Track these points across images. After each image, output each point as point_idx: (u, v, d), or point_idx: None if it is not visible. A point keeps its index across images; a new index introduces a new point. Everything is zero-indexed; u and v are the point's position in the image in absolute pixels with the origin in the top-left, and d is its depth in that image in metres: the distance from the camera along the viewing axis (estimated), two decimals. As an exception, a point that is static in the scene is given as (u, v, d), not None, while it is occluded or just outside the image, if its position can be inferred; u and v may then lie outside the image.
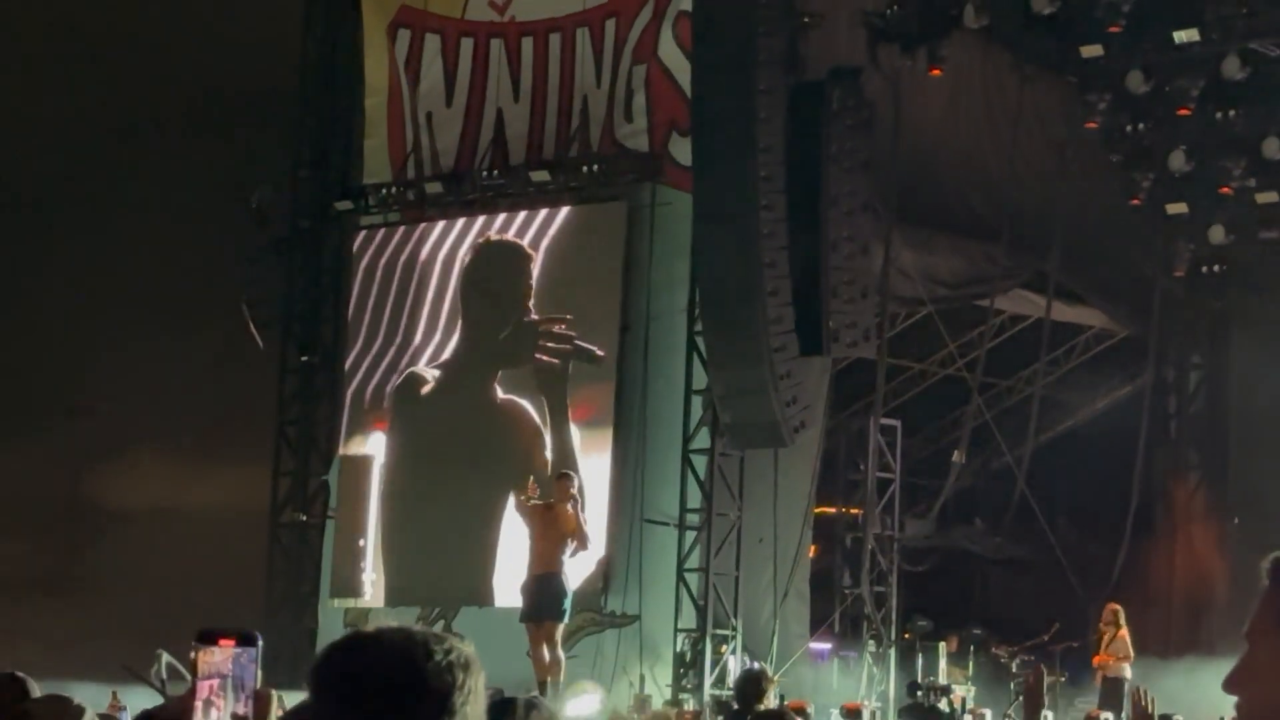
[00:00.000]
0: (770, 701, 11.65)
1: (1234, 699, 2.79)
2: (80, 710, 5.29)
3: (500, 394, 21.23)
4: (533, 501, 18.01)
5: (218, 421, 24.36)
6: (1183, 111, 22.67)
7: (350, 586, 22.24)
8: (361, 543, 22.15)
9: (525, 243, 21.39)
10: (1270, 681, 2.74)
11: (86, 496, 25.47)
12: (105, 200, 24.95)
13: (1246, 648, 2.80)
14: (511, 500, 18.83)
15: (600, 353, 20.53)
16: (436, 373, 22.07)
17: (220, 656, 3.83)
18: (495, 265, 21.62)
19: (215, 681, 3.82)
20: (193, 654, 3.84)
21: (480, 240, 21.81)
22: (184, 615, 21.77)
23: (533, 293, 21.18)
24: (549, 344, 20.81)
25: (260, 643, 3.81)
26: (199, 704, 3.85)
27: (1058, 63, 22.82)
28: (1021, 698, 17.56)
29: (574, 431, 20.58)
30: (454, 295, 21.94)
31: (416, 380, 22.18)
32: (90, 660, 17.84)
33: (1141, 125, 23.30)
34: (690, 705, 18.74)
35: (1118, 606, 20.62)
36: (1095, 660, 20.48)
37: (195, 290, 23.83)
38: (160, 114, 24.92)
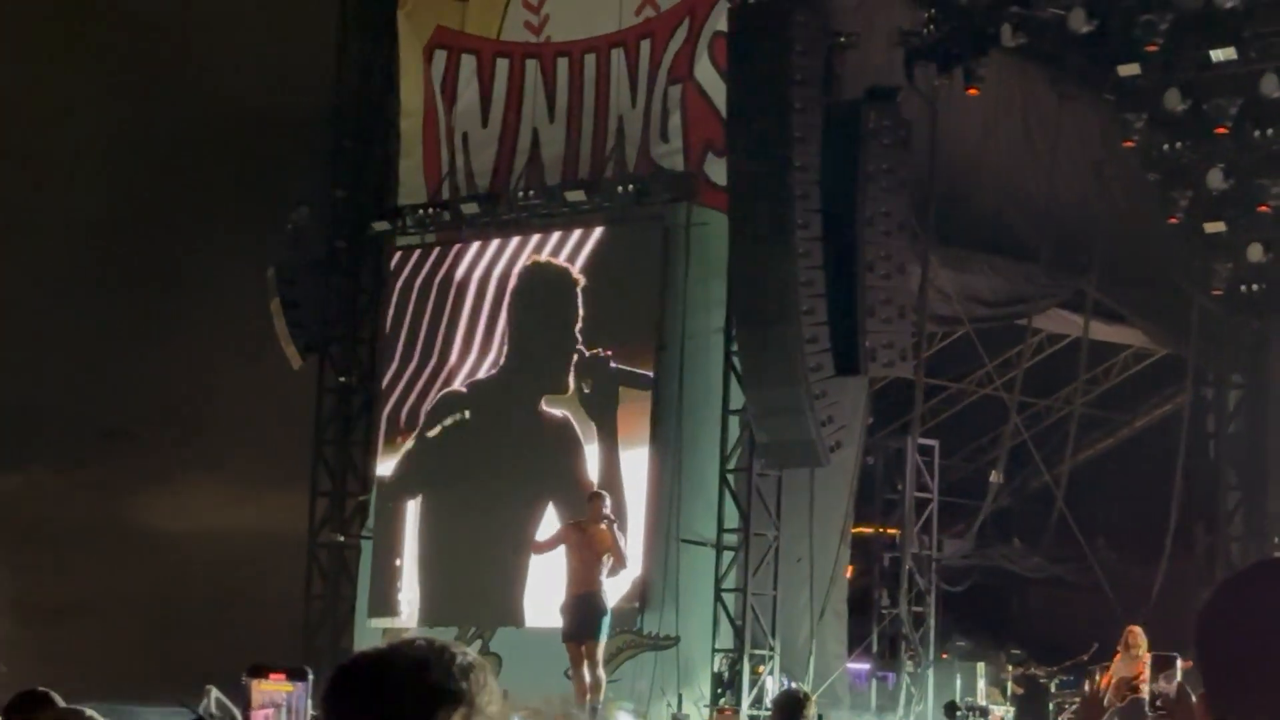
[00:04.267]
0: None
1: None
2: None
3: (551, 411, 21.20)
4: (563, 524, 18.06)
5: (256, 444, 24.41)
6: (1220, 130, 22.56)
7: (387, 606, 22.25)
8: (398, 563, 22.17)
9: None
10: None
11: (126, 519, 25.52)
12: (145, 225, 25.04)
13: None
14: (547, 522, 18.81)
15: (645, 373, 20.60)
16: (470, 390, 22.08)
17: (273, 687, 3.86)
18: (545, 289, 21.61)
19: (270, 711, 3.84)
20: (245, 685, 3.87)
21: (529, 262, 21.80)
22: (224, 637, 21.88)
23: (580, 318, 21.18)
24: (597, 378, 20.88)
25: (311, 676, 3.83)
26: (253, 732, 3.88)
27: (1095, 81, 22.73)
28: (1079, 702, 17.39)
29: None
30: (492, 313, 21.95)
31: (455, 400, 22.20)
32: (131, 682, 17.87)
33: (1179, 144, 23.20)
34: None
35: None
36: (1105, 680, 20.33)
37: (233, 313, 23.89)
38: (197, 137, 25.01)
